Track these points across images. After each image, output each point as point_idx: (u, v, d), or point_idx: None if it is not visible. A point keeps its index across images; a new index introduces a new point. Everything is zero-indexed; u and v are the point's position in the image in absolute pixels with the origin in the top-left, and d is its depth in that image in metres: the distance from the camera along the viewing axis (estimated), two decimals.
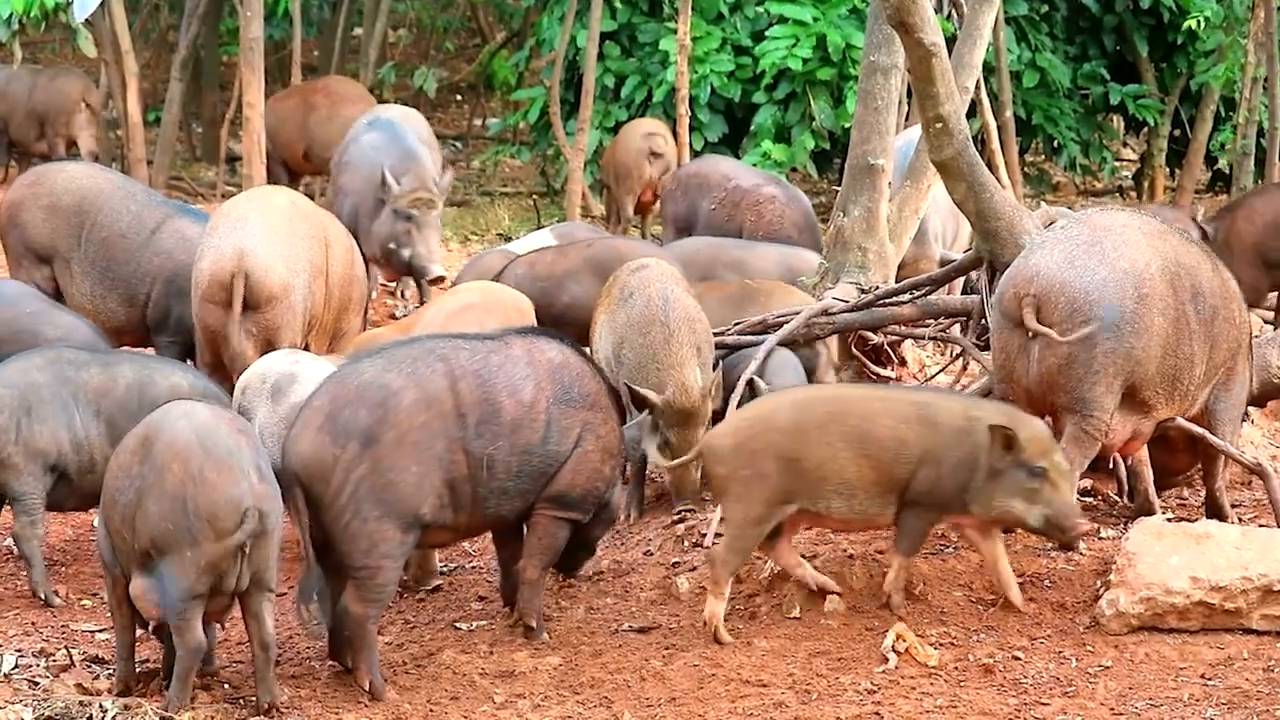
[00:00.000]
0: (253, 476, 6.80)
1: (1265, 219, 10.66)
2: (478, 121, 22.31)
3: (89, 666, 7.46)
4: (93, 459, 8.15)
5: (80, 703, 6.94)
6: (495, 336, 7.65)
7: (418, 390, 7.26)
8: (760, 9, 17.60)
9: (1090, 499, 8.62)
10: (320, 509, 7.15)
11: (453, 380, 7.32)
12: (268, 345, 9.57)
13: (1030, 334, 7.73)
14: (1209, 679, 7.08)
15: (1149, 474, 8.31)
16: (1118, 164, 19.73)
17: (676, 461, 8.19)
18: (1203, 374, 7.96)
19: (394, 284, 13.80)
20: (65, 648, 7.58)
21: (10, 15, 14.51)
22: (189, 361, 10.04)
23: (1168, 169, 18.76)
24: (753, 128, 17.39)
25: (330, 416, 7.19)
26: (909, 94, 11.94)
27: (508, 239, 16.39)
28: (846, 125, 15.98)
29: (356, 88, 17.40)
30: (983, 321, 9.11)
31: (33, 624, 7.94)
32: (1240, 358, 8.17)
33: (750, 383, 8.83)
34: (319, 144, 15.91)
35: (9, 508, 8.29)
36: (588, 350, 8.52)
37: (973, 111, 13.67)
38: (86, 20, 15.65)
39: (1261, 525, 8.02)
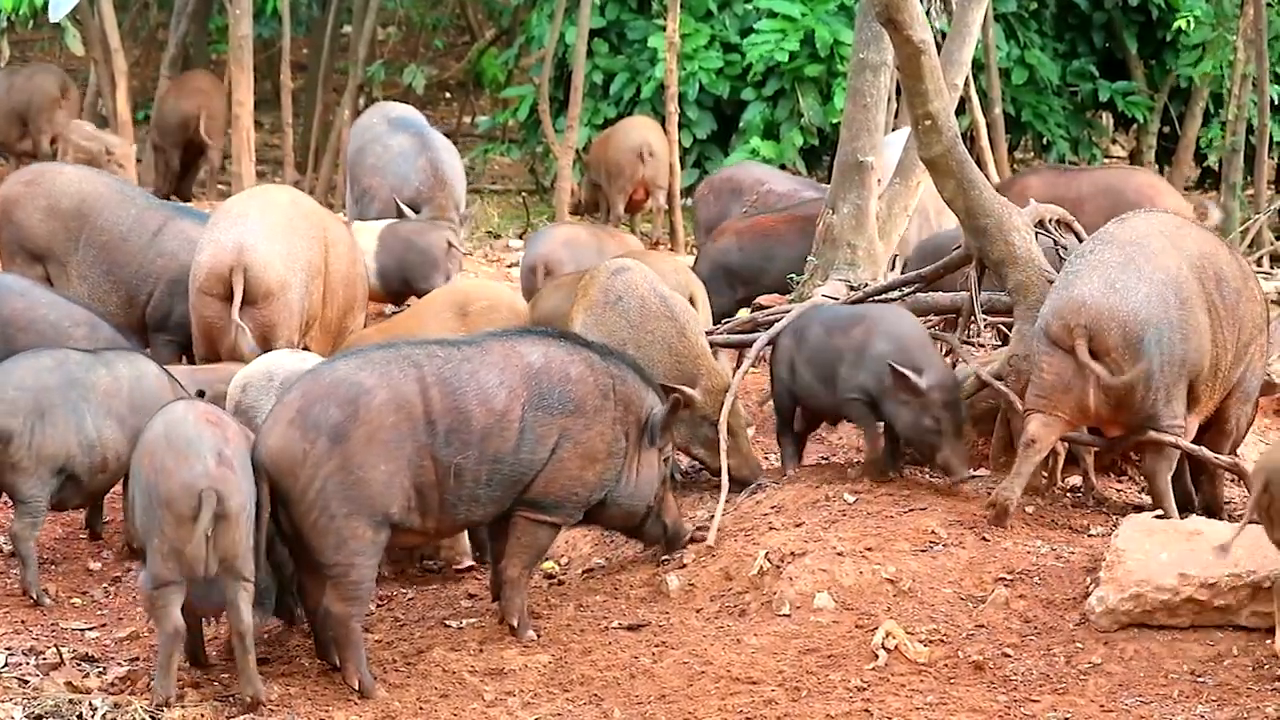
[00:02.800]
0: (209, 461, 6.87)
1: (1040, 198, 10.78)
2: (467, 119, 22.32)
3: (79, 665, 7.46)
4: (105, 459, 8.18)
5: (70, 701, 6.96)
6: (474, 341, 7.60)
7: (389, 391, 7.22)
8: (749, 6, 17.63)
9: (1078, 494, 8.66)
10: (289, 504, 7.13)
11: (424, 386, 7.26)
12: (263, 341, 9.62)
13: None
14: (1199, 676, 7.08)
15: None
16: (1107, 161, 19.74)
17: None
18: (1232, 358, 8.22)
19: None
20: (55, 646, 7.57)
21: None
22: (184, 359, 10.10)
23: (1157, 166, 18.77)
24: (741, 124, 17.42)
25: (301, 411, 7.17)
26: (898, 91, 11.97)
27: (496, 237, 16.44)
28: (835, 122, 16.02)
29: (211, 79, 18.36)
30: (972, 319, 9.13)
31: (22, 622, 7.93)
32: (1264, 331, 8.41)
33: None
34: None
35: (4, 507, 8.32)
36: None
37: (962, 108, 13.68)
38: (75, 18, 15.67)
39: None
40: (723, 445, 8.53)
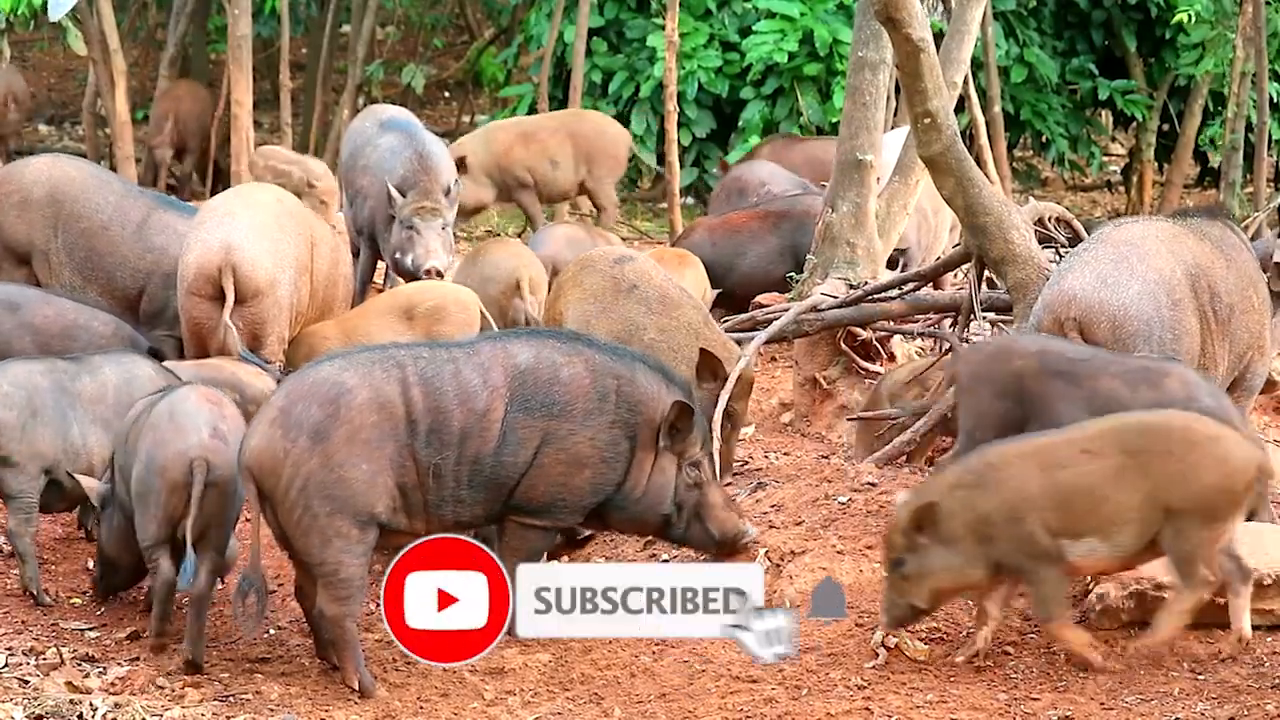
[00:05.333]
0: (204, 432, 7.38)
1: (767, 158, 11.22)
2: (466, 118, 22.30)
3: (79, 665, 7.45)
4: (91, 466, 8.18)
5: (70, 701, 6.95)
6: (464, 344, 7.55)
7: (371, 391, 7.17)
8: (748, 4, 17.63)
9: None
10: (273, 503, 7.13)
11: (405, 387, 7.20)
12: (253, 340, 9.62)
13: None
14: (1199, 674, 7.08)
15: None
16: (1106, 159, 19.74)
17: None
18: (1224, 372, 8.18)
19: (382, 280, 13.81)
20: (55, 646, 7.57)
21: None
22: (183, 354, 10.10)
23: (1156, 164, 18.77)
24: (740, 123, 17.43)
25: (283, 411, 7.16)
26: (897, 89, 11.98)
27: (496, 236, 16.44)
28: (834, 120, 16.01)
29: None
30: (971, 317, 9.13)
31: (22, 622, 7.93)
32: (1265, 332, 8.39)
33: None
34: None
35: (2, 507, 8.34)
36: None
37: (961, 107, 13.67)
38: (75, 18, 15.65)
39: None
40: (715, 434, 8.49)
